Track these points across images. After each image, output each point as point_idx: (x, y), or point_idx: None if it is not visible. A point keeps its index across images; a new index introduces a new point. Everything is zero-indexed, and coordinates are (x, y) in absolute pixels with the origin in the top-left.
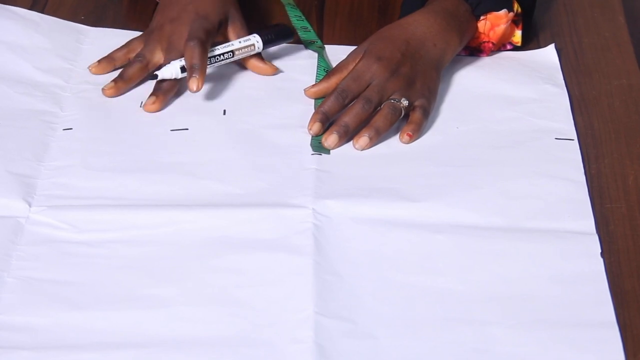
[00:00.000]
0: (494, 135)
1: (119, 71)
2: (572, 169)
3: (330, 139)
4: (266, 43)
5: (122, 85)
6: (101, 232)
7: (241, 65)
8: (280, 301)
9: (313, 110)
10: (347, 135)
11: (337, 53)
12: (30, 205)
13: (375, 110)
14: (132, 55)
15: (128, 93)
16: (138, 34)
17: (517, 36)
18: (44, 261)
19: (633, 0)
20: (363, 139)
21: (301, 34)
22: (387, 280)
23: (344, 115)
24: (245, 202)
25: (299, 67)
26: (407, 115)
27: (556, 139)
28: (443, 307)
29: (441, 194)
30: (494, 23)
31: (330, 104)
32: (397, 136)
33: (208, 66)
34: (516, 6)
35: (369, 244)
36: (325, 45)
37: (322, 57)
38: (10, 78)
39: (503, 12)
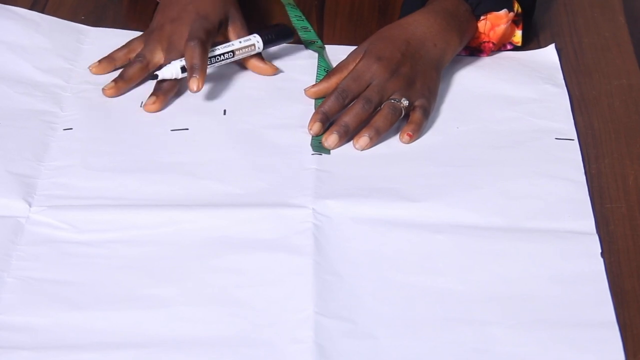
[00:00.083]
0: (494, 135)
1: (119, 71)
2: (572, 169)
3: (330, 139)
4: (266, 43)
5: (122, 85)
6: (101, 232)
7: (241, 65)
8: (280, 301)
9: (313, 110)
10: (347, 135)
11: (337, 53)
12: (30, 205)
13: (375, 110)
14: (133, 55)
15: (128, 93)
16: (138, 34)
17: (518, 36)
18: (44, 261)
19: (633, 0)
20: (363, 139)
21: (301, 34)
22: (387, 280)
23: (344, 115)
24: (245, 202)
25: (299, 67)
26: (407, 115)
27: (556, 139)
28: (443, 307)
29: (441, 194)
30: (494, 23)
31: (330, 104)
32: (397, 136)
33: (208, 66)
34: (516, 6)
35: (369, 244)
36: (326, 45)
37: (322, 57)
38: (10, 78)
39: (503, 12)
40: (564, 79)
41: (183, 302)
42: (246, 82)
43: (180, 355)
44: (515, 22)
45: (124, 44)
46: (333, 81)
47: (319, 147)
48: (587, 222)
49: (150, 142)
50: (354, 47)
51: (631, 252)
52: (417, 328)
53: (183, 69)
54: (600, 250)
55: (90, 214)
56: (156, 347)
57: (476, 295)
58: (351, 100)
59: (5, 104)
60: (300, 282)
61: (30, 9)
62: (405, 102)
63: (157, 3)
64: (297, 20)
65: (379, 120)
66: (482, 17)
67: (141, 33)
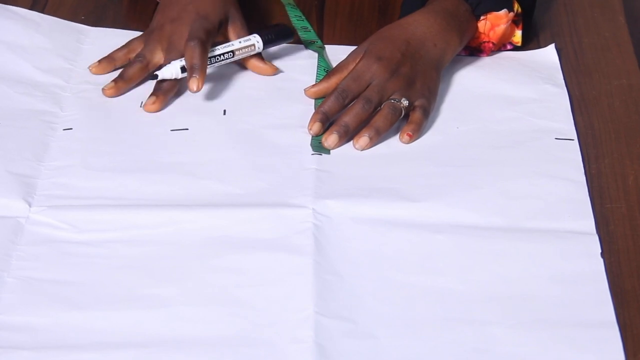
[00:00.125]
0: (494, 135)
1: (119, 71)
2: (572, 169)
3: (330, 139)
4: (266, 43)
5: (122, 85)
6: (101, 232)
7: (241, 65)
8: (280, 301)
9: (313, 110)
10: (347, 135)
11: (337, 53)
12: (30, 205)
13: (375, 110)
14: (133, 55)
15: (128, 93)
16: (138, 34)
17: (517, 36)
18: (44, 261)
19: (633, 0)
20: (363, 139)
21: (301, 34)
22: (387, 280)
23: (344, 115)
24: (245, 202)
25: (299, 67)
26: (407, 115)
27: (556, 139)
28: (443, 307)
29: (441, 194)
30: (494, 23)
31: (330, 104)
32: (397, 136)
33: (208, 66)
34: (516, 6)
35: (369, 244)
36: (325, 45)
37: (322, 57)
38: (10, 78)
39: (503, 12)
40: (564, 79)
41: (183, 302)
42: (246, 82)
43: (180, 355)
44: (515, 22)
45: (124, 44)
46: (333, 81)
47: (319, 147)
48: (587, 222)
49: (150, 142)
50: (354, 47)
51: (631, 252)
52: (417, 328)
53: (183, 69)
54: (600, 250)
55: (90, 214)
56: (156, 347)
57: (476, 295)
58: (351, 100)
59: (5, 104)
60: (300, 282)
61: (30, 9)
62: (405, 102)
63: (157, 3)
64: (297, 20)
65: (379, 120)
66: (482, 17)
67: (141, 33)
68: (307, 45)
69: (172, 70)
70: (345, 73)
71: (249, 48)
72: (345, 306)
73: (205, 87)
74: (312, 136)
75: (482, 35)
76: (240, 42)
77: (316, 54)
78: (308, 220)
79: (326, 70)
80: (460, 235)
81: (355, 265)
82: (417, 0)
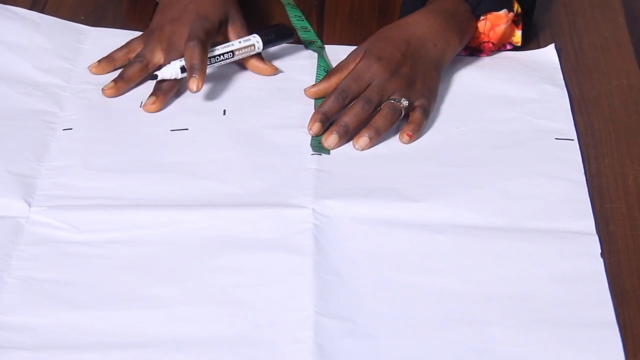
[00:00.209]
0: (494, 135)
1: (119, 71)
2: (572, 169)
3: (330, 139)
4: (266, 43)
5: (122, 85)
6: (101, 232)
7: (241, 65)
8: (280, 301)
9: (313, 110)
10: (347, 136)
11: (337, 53)
12: (30, 205)
13: (375, 111)
14: (132, 55)
15: (128, 93)
16: (138, 34)
17: (517, 36)
18: (44, 261)
19: (633, 0)
20: (363, 139)
21: (301, 34)
22: (387, 280)
23: (344, 115)
24: (245, 202)
25: (299, 67)
26: (407, 116)
27: (556, 139)
28: (443, 307)
29: (441, 194)
30: (494, 23)
31: (330, 104)
32: (397, 136)
33: (208, 66)
34: (516, 6)
35: (369, 244)
36: (325, 45)
37: (322, 57)
38: (10, 78)
39: (503, 12)
40: (564, 79)
41: (183, 302)
42: (246, 82)
43: (180, 355)
44: (515, 22)
45: (123, 44)
46: (333, 81)
47: (319, 147)
48: (587, 222)
49: (150, 142)
50: (354, 47)
51: (631, 252)
52: (417, 328)
53: (183, 69)
54: (600, 250)
55: (90, 214)
56: (156, 347)
57: (476, 295)
58: (351, 101)
59: (5, 104)
60: (300, 282)
61: (30, 9)
62: (405, 102)
63: (157, 3)
64: (297, 20)
65: (378, 120)
66: (482, 17)
67: (141, 33)
68: (307, 45)
69: (171, 71)
70: (345, 73)
71: (249, 48)
72: (345, 306)
73: (205, 87)
74: (312, 136)
75: (482, 36)
76: (240, 42)
77: (316, 54)
78: (308, 220)
79: (326, 70)
80: (460, 235)
81: (355, 265)
82: (417, 0)
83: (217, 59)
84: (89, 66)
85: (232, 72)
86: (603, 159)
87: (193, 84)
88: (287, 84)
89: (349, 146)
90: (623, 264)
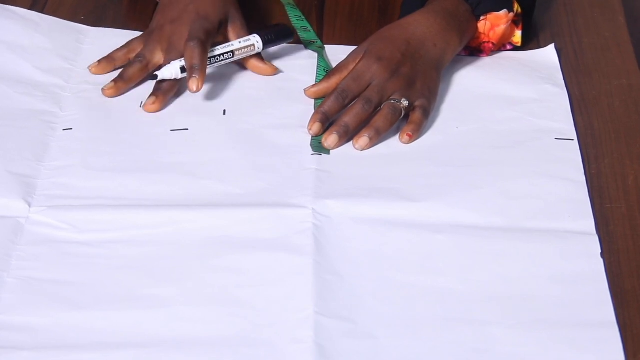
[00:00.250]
0: (494, 135)
1: (119, 71)
2: (572, 169)
3: (330, 139)
4: (266, 43)
5: (122, 85)
6: (101, 232)
7: (241, 65)
8: (280, 301)
9: (313, 110)
10: (347, 136)
11: (337, 53)
12: (30, 205)
13: (375, 111)
14: (132, 55)
15: (128, 93)
16: (138, 34)
17: (517, 36)
18: (44, 261)
19: (633, 0)
20: (363, 139)
21: (301, 34)
22: (387, 280)
23: (344, 115)
24: (245, 202)
25: (299, 67)
26: (407, 116)
27: (556, 139)
28: (443, 307)
29: (441, 194)
30: (494, 23)
31: (330, 104)
32: (397, 136)
33: (208, 66)
34: (516, 6)
35: (369, 244)
36: (325, 45)
37: (322, 57)
38: (10, 78)
39: (503, 12)
40: (564, 79)
41: (183, 302)
42: (246, 82)
43: (180, 355)
44: (515, 23)
45: (123, 44)
46: (333, 81)
47: (318, 147)
48: (587, 222)
49: (150, 142)
50: (354, 47)
51: (631, 252)
52: (417, 328)
53: (183, 69)
54: (600, 251)
55: (90, 214)
56: (156, 347)
57: (476, 295)
58: (351, 101)
59: (5, 104)
60: (300, 282)
61: (30, 9)
62: (405, 103)
63: (157, 3)
64: (297, 20)
65: (379, 120)
66: (482, 18)
67: (141, 33)
68: (307, 45)
69: (171, 71)
70: (345, 73)
71: (249, 48)
72: (345, 306)
73: (205, 87)
74: (312, 136)
75: (482, 36)
76: (240, 42)
77: (316, 54)
78: (308, 220)
79: (326, 70)
80: (460, 235)
81: (355, 265)
82: (417, 0)
83: (217, 59)
84: (89, 66)
85: (232, 72)
86: (603, 159)
87: (193, 84)
88: (287, 84)
89: (349, 146)
90: (623, 264)
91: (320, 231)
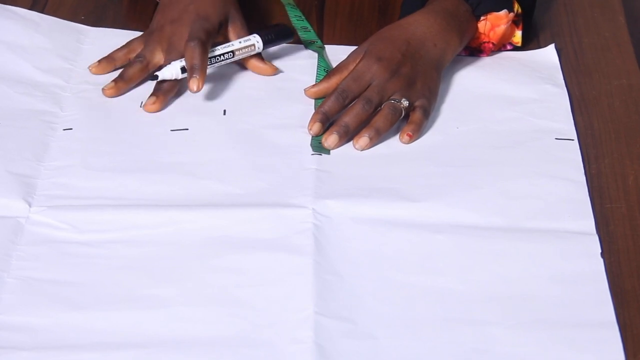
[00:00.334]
0: (494, 135)
1: (119, 71)
2: (572, 169)
3: (330, 139)
4: (266, 43)
5: (122, 85)
6: (101, 232)
7: (241, 65)
8: (280, 301)
9: (313, 110)
10: (347, 136)
11: (337, 53)
12: (30, 205)
13: (375, 111)
14: (133, 55)
15: (128, 93)
16: (138, 34)
17: (517, 36)
18: (44, 261)
19: (633, 0)
20: (363, 139)
21: (301, 34)
22: (387, 280)
23: (344, 115)
24: (245, 202)
25: (299, 67)
26: (407, 116)
27: (556, 139)
28: (443, 307)
29: (441, 194)
30: (494, 23)
31: (330, 104)
32: (397, 136)
33: (208, 66)
34: (516, 6)
35: (369, 244)
36: (325, 45)
37: (322, 57)
38: (10, 78)
39: (503, 12)
40: (564, 79)
41: (183, 302)
42: (246, 82)
43: (180, 355)
44: (515, 23)
45: (123, 44)
46: (333, 81)
47: (319, 147)
48: (587, 222)
49: (150, 142)
50: (354, 47)
51: (631, 252)
52: (417, 328)
53: (183, 70)
54: (600, 250)
55: (90, 214)
56: (156, 347)
57: (476, 295)
58: (351, 101)
59: (5, 104)
60: (300, 282)
61: (30, 9)
62: (405, 103)
63: (157, 3)
64: (297, 20)
65: (379, 120)
66: (482, 18)
67: (141, 33)
68: (307, 45)
69: (172, 71)
70: (345, 73)
71: (249, 48)
72: (345, 306)
73: (205, 87)
74: (312, 136)
75: (482, 36)
76: (240, 42)
77: (316, 54)
78: (308, 220)
79: (326, 70)
80: (460, 235)
81: (355, 265)
82: (417, 0)
83: (218, 59)
84: (89, 66)
85: (232, 72)
86: (603, 159)
87: (193, 84)
88: (287, 84)
89: (349, 146)
90: (623, 264)
91: (320, 231)
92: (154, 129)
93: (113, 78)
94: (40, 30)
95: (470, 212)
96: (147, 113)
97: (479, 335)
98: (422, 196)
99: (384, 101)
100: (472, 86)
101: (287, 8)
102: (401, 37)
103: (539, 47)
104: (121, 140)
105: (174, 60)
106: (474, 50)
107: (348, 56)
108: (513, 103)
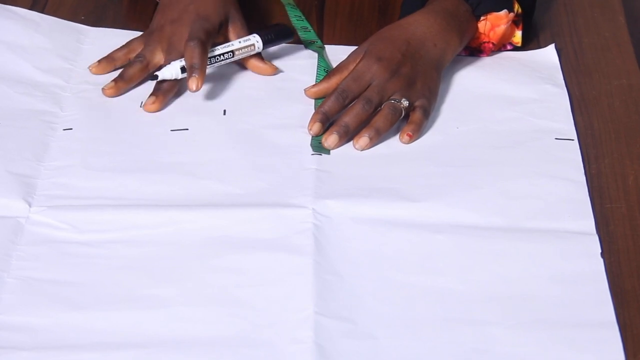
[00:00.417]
0: (494, 135)
1: (119, 71)
2: (572, 169)
3: (330, 139)
4: (266, 43)
5: (122, 85)
6: (101, 232)
7: (241, 65)
8: (280, 301)
9: (313, 110)
10: (347, 136)
11: (337, 53)
12: (30, 205)
13: (375, 111)
14: (133, 55)
15: (128, 93)
16: (138, 34)
17: (517, 36)
18: (44, 261)
19: (633, 0)
20: (363, 139)
21: (301, 34)
22: (387, 280)
23: (344, 115)
24: (245, 202)
25: (299, 67)
26: (407, 116)
27: (556, 139)
28: (443, 307)
29: (441, 194)
30: (494, 23)
31: (330, 104)
32: (397, 136)
33: (208, 66)
34: (516, 7)
35: (369, 244)
36: (325, 45)
37: (322, 57)
38: (10, 78)
39: (503, 12)
40: (564, 79)
41: (183, 302)
42: (246, 82)
43: (180, 355)
44: (515, 23)
45: (123, 44)
46: (333, 81)
47: (319, 147)
48: (587, 222)
49: (150, 142)
50: (354, 47)
51: (631, 252)
52: (417, 328)
53: (183, 70)
54: (600, 250)
55: (90, 214)
56: (156, 347)
57: (476, 295)
58: (351, 101)
59: (5, 104)
60: (300, 282)
61: (30, 9)
62: (405, 103)
63: (157, 3)
64: (297, 20)
65: (379, 120)
66: (482, 18)
67: (141, 33)
68: (307, 45)
69: (172, 71)
70: (345, 73)
71: (249, 48)
72: (345, 306)
73: (205, 87)
74: (312, 136)
75: (482, 36)
76: (240, 42)
77: (316, 54)
78: (308, 220)
79: (326, 70)
80: (460, 235)
81: (355, 265)
82: (417, 0)
83: (217, 59)
84: (89, 66)
85: (232, 72)
86: (603, 159)
87: (193, 83)
88: (287, 84)
89: (349, 146)
90: (623, 264)
91: (320, 231)
92: (154, 129)
93: (113, 78)
94: (40, 30)
95: (470, 212)
96: (147, 113)
97: (479, 335)
98: (422, 196)
99: (384, 101)
100: (472, 86)
101: (287, 8)
102: (401, 37)
103: (539, 47)
104: (121, 140)
105: (174, 60)
106: (474, 50)
107: (348, 56)
108: (513, 103)
